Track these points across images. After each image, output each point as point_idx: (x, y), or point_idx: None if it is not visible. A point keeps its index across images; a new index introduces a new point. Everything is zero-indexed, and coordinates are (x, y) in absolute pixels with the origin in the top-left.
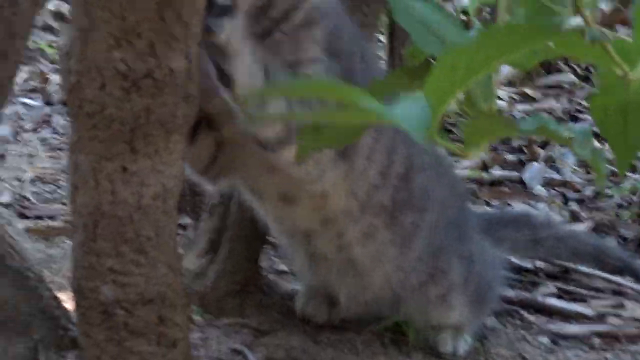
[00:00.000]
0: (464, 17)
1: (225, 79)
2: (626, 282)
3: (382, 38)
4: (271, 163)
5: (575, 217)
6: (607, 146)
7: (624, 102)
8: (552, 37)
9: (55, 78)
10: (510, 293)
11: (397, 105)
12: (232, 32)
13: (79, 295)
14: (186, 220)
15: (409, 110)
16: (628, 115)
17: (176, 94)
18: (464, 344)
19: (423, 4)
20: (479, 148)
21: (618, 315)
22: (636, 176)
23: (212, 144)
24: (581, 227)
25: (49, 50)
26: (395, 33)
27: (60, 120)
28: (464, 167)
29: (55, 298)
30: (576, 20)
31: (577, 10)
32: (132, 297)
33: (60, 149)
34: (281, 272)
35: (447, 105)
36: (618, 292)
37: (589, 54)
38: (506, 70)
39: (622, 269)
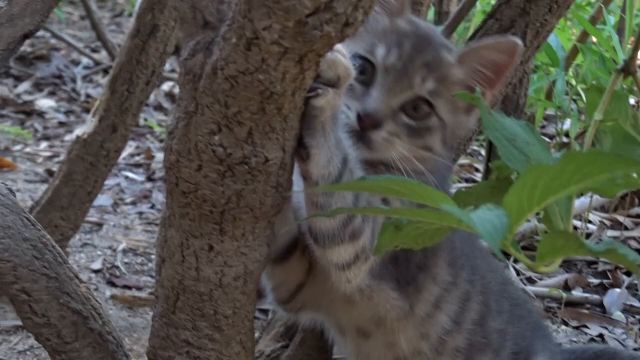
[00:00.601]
0: (565, 139)
1: (302, 152)
2: None
3: (482, 151)
4: (322, 262)
5: None
6: None
7: None
8: (633, 167)
9: (160, 156)
10: None
11: (475, 212)
12: (331, 103)
13: None
14: (269, 305)
15: (486, 218)
16: None
17: (268, 182)
18: None
19: (513, 122)
20: (551, 264)
21: None
22: None
23: (303, 270)
24: None
25: (157, 129)
26: (493, 146)
27: (159, 197)
28: (545, 285)
29: None
30: None
31: None
32: None
33: (155, 224)
34: None
35: (523, 220)
36: None
37: None
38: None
39: None
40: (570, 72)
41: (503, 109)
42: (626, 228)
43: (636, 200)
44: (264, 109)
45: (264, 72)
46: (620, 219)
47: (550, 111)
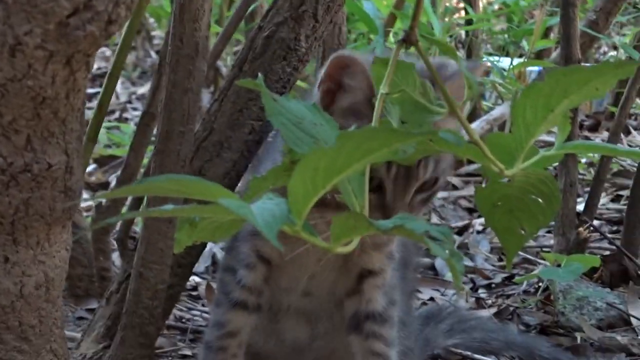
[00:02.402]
0: None
1: None
2: None
3: None
4: None
5: (480, 304)
6: None
7: (508, 197)
8: (411, 141)
9: None
10: None
11: (256, 204)
12: None
13: None
14: (95, 304)
15: (266, 208)
16: (513, 209)
17: (55, 188)
18: None
19: (298, 104)
20: (349, 243)
21: None
22: (545, 262)
23: None
24: (485, 313)
25: None
26: None
27: None
28: None
29: None
30: None
31: (452, 110)
32: None
33: None
34: (185, 357)
35: (310, 204)
36: None
37: (466, 152)
38: None
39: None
40: (391, 37)
41: None
42: (456, 188)
43: (464, 160)
44: (39, 115)
45: (32, 78)
46: (450, 180)
47: None
